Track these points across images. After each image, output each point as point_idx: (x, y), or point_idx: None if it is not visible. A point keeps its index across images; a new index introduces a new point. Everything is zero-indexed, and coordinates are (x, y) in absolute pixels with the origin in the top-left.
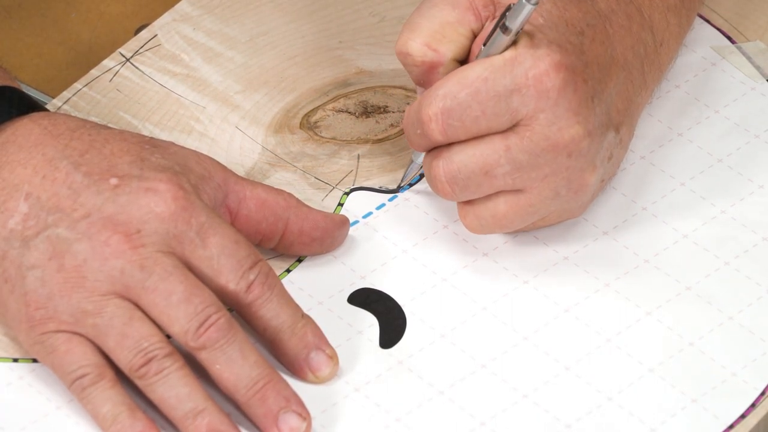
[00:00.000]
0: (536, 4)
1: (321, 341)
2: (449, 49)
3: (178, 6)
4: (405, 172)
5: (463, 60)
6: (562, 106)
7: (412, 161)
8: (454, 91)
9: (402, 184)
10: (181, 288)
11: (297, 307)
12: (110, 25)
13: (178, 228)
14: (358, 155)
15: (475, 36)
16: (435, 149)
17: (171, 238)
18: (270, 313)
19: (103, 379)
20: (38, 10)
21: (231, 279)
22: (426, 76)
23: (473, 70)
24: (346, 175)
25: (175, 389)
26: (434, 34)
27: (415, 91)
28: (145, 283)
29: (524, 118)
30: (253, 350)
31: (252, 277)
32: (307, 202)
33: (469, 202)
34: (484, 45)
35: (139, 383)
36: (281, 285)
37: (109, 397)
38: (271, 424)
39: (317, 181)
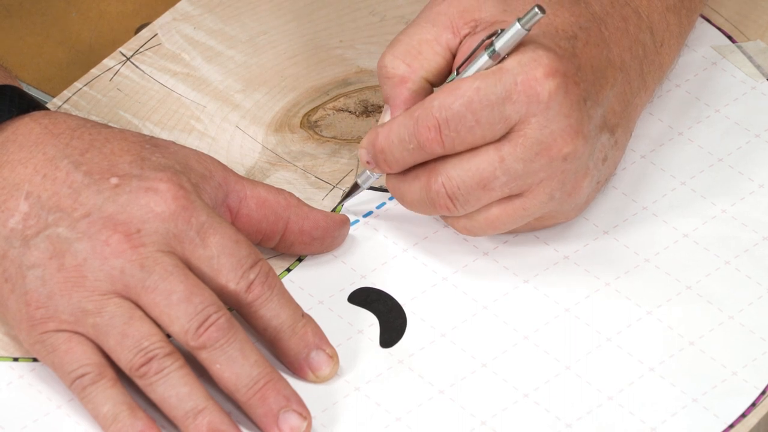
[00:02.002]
0: (529, 30)
1: (321, 340)
2: (421, 66)
3: (178, 5)
4: (346, 193)
5: (434, 79)
6: (554, 110)
7: (357, 186)
8: (448, 102)
9: (340, 203)
10: (182, 287)
11: (297, 307)
12: (111, 24)
13: (179, 227)
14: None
15: (452, 54)
16: (421, 168)
17: (171, 238)
18: (270, 312)
19: (103, 378)
20: (39, 9)
21: (231, 278)
22: (394, 90)
23: (465, 81)
24: (347, 174)
25: (175, 388)
26: (410, 50)
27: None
28: (146, 283)
29: (517, 125)
30: (254, 349)
31: (252, 276)
32: (308, 202)
33: None
34: (458, 70)
35: (140, 383)
36: (281, 284)
37: (110, 396)
38: (271, 423)
39: (317, 180)
